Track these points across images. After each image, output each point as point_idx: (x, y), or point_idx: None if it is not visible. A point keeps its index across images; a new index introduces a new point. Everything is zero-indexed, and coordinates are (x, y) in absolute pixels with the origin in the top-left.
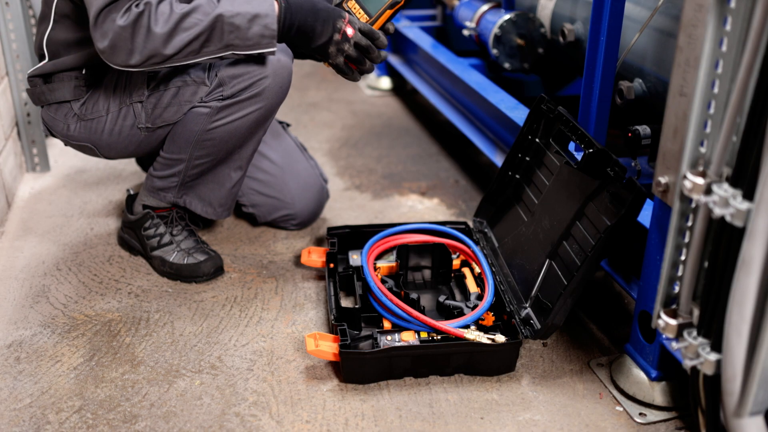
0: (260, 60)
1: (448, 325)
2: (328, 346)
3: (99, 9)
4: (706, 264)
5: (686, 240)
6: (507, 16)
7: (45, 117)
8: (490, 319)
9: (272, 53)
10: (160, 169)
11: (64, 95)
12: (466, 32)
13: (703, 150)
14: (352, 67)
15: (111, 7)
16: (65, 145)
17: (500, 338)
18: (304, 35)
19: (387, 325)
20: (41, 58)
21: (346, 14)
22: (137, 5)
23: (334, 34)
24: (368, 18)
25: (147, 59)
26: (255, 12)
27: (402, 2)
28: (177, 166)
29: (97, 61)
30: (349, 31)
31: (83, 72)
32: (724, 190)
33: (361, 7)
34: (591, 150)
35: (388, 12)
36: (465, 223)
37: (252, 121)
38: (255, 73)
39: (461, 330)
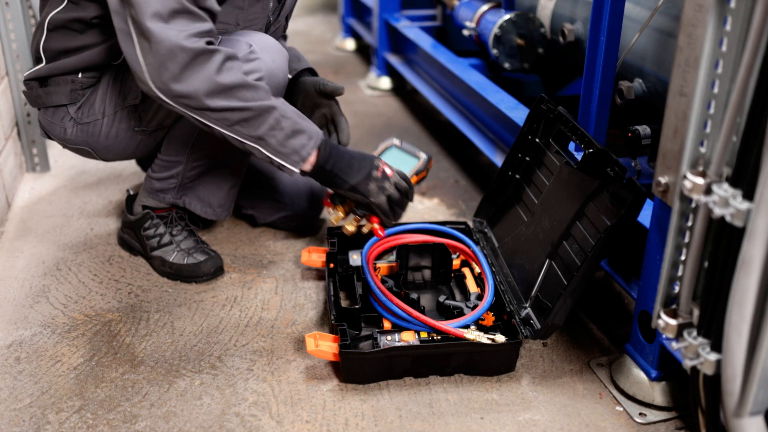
0: (254, 60)
1: (448, 325)
2: (328, 346)
3: (172, 9)
4: (706, 264)
5: (686, 240)
6: (507, 16)
7: (42, 120)
8: (490, 319)
9: (292, 173)
10: (158, 170)
11: (61, 99)
12: (466, 32)
13: (703, 150)
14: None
15: (186, 16)
16: (63, 147)
17: (500, 338)
18: (340, 170)
19: (387, 325)
20: (37, 61)
21: (381, 160)
22: (212, 42)
23: (372, 171)
24: None
25: (183, 96)
26: (303, 128)
27: (425, 173)
28: (175, 168)
29: (93, 65)
30: (388, 170)
31: (79, 76)
32: (724, 190)
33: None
34: (591, 150)
35: (414, 178)
36: (465, 223)
37: None
38: (250, 74)
39: (461, 330)
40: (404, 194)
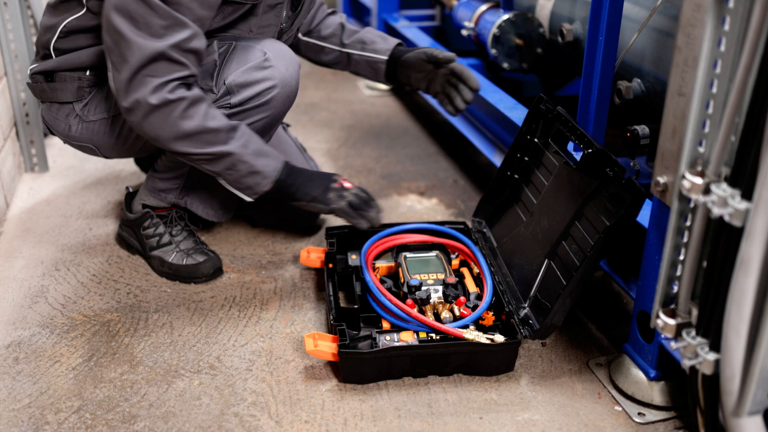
0: (268, 68)
1: (447, 325)
2: (327, 346)
3: (136, 68)
4: (704, 264)
5: (685, 240)
6: (506, 16)
7: (45, 116)
8: (489, 319)
9: (247, 201)
10: (163, 170)
11: (67, 96)
12: (464, 32)
13: (701, 150)
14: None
15: (163, 64)
16: (64, 143)
17: (499, 338)
18: (299, 186)
19: (386, 325)
20: (45, 57)
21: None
22: (174, 90)
23: (331, 183)
24: None
25: (152, 138)
26: (258, 169)
27: None
28: (180, 169)
29: (102, 64)
30: (347, 184)
31: (87, 73)
32: (722, 189)
33: None
34: (590, 150)
35: None
36: (464, 223)
37: (258, 129)
38: (264, 82)
39: (460, 330)
40: (365, 201)
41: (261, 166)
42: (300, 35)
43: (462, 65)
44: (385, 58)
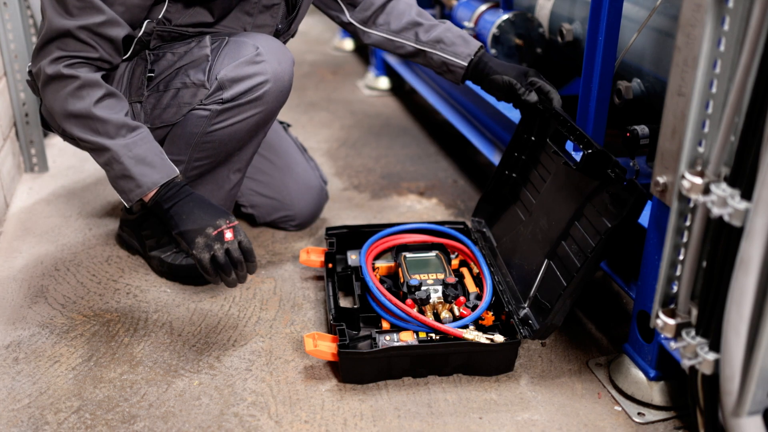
0: (260, 63)
1: (447, 325)
2: (327, 346)
3: (46, 40)
4: (704, 264)
5: (684, 240)
6: (505, 16)
7: (44, 113)
8: (488, 319)
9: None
10: None
11: None
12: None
13: (701, 150)
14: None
15: (69, 41)
16: (63, 140)
17: (499, 338)
18: (176, 214)
19: (386, 325)
20: None
21: (234, 220)
22: (71, 66)
23: (208, 227)
24: None
25: (50, 110)
26: (132, 175)
27: None
28: (177, 167)
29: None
30: (229, 234)
31: None
32: (722, 189)
33: None
34: (590, 150)
35: None
36: (463, 223)
37: (252, 125)
38: (256, 77)
39: (460, 330)
40: (234, 263)
41: (137, 173)
42: (361, 26)
43: (548, 86)
44: (465, 63)
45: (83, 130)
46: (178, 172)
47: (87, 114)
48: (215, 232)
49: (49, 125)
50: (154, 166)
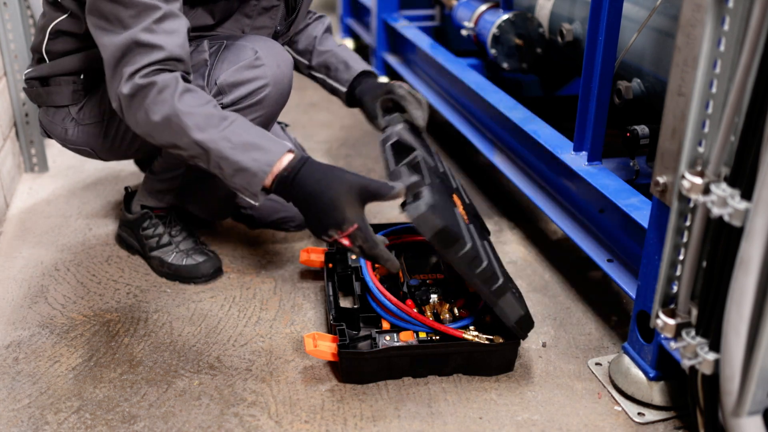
0: (259, 66)
1: (447, 325)
2: (327, 346)
3: (113, 64)
4: (704, 264)
5: (684, 240)
6: (505, 16)
7: (42, 120)
8: (489, 319)
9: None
10: (160, 171)
11: (62, 100)
12: (464, 32)
13: (701, 150)
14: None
15: (136, 52)
16: (62, 147)
17: (499, 338)
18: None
19: (386, 325)
20: (39, 61)
21: (351, 225)
22: (146, 75)
23: (323, 236)
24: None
25: (143, 133)
26: (244, 166)
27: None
28: (177, 170)
29: (96, 66)
30: (345, 242)
31: (81, 77)
32: (722, 189)
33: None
34: None
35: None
36: None
37: None
38: (255, 81)
39: (460, 330)
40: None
41: (247, 161)
42: (286, 39)
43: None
44: (344, 90)
45: (177, 136)
46: (288, 145)
47: (173, 113)
48: (330, 240)
49: (49, 133)
50: (261, 148)
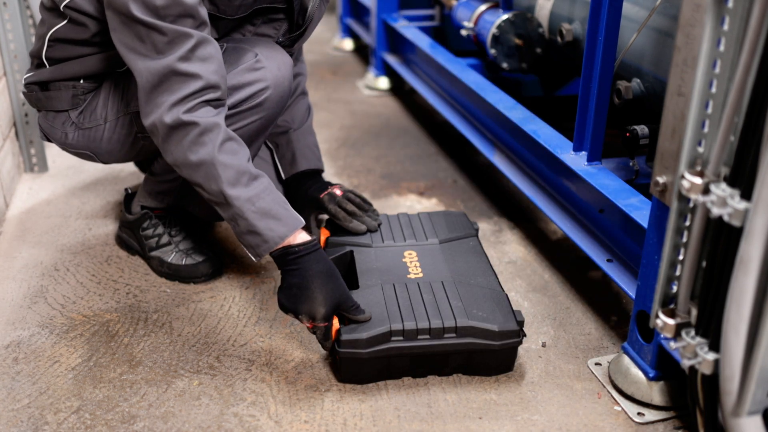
0: (260, 69)
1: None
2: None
3: (148, 89)
4: (704, 263)
5: (684, 240)
6: (505, 16)
7: (42, 124)
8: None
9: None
10: (160, 173)
11: (62, 104)
12: (464, 32)
13: (700, 150)
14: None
15: (173, 81)
16: (63, 150)
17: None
18: (289, 286)
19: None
20: (38, 66)
21: (322, 323)
22: (191, 110)
23: (291, 314)
24: None
25: (173, 163)
26: (259, 231)
27: None
28: (176, 171)
29: (95, 73)
30: (308, 327)
31: (81, 82)
32: (722, 189)
33: None
34: None
35: None
36: None
37: (252, 131)
38: (256, 84)
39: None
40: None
41: (263, 227)
42: None
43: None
44: (282, 178)
45: (206, 180)
46: (303, 222)
47: (210, 160)
48: (308, 324)
49: (49, 137)
50: (279, 219)
